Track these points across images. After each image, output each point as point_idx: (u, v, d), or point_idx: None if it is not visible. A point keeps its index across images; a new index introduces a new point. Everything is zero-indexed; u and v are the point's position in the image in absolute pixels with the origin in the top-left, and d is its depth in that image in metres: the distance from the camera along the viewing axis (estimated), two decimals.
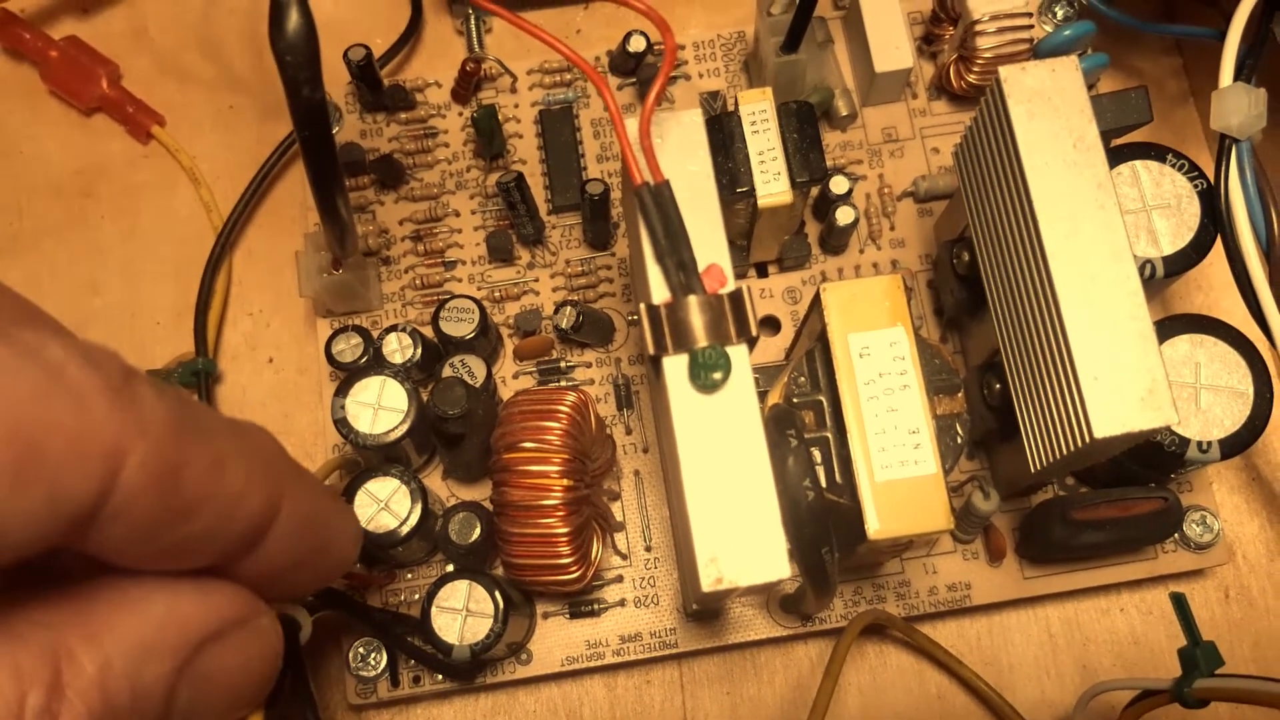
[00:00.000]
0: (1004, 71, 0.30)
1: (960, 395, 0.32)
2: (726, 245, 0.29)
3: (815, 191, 0.39)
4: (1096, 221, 0.29)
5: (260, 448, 0.21)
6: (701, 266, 0.28)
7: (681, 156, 0.29)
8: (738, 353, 0.28)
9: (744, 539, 0.27)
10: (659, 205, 0.28)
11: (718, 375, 0.28)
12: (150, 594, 0.20)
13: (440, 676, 0.36)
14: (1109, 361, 0.28)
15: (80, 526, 0.17)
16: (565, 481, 0.33)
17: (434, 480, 0.38)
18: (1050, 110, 0.30)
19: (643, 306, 0.28)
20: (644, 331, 0.28)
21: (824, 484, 0.31)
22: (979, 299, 0.34)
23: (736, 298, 0.28)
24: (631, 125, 0.28)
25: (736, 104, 0.35)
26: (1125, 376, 0.28)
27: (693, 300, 0.28)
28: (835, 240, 0.40)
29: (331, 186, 0.31)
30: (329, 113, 0.29)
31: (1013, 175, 0.30)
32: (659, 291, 0.28)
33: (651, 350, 0.28)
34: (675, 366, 0.28)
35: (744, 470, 0.27)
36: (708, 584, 0.27)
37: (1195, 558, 0.38)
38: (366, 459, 0.35)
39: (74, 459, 0.16)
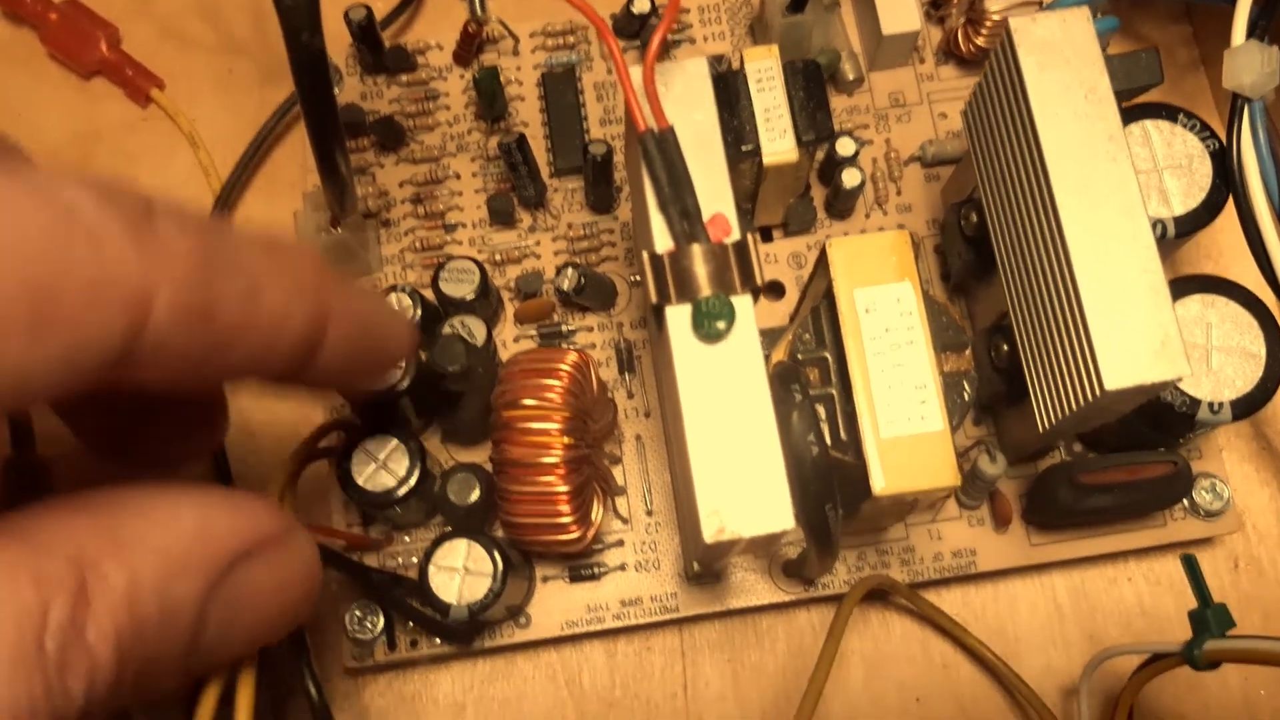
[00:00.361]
0: (1014, 22, 0.29)
1: (968, 353, 0.31)
2: (731, 194, 0.28)
3: (821, 155, 0.39)
4: (1108, 174, 0.28)
5: (296, 265, 0.20)
6: (706, 216, 0.28)
7: (686, 105, 0.29)
8: (742, 302, 0.27)
9: (747, 490, 0.26)
10: (663, 152, 0.27)
11: (721, 325, 0.27)
12: (180, 506, 0.19)
13: (438, 640, 0.36)
14: (1121, 314, 0.27)
15: (110, 370, 0.16)
16: (566, 440, 0.32)
17: (433, 444, 0.38)
18: (1061, 61, 0.29)
19: (645, 255, 0.27)
20: (646, 280, 0.27)
21: (829, 441, 0.30)
22: (986, 261, 0.34)
23: (741, 246, 0.28)
24: (636, 72, 0.28)
25: (742, 61, 0.35)
26: (1137, 329, 0.27)
27: (697, 249, 0.27)
28: (841, 204, 0.39)
29: (330, 140, 0.31)
30: (329, 64, 0.29)
31: (1023, 128, 0.29)
32: (662, 240, 0.28)
33: (654, 299, 0.27)
34: (678, 316, 0.27)
35: (747, 421, 0.27)
36: (710, 535, 0.26)
37: (1205, 525, 0.37)
38: (364, 419, 0.35)
39: (94, 306, 0.16)
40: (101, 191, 0.16)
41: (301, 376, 0.21)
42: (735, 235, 0.28)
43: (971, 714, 0.37)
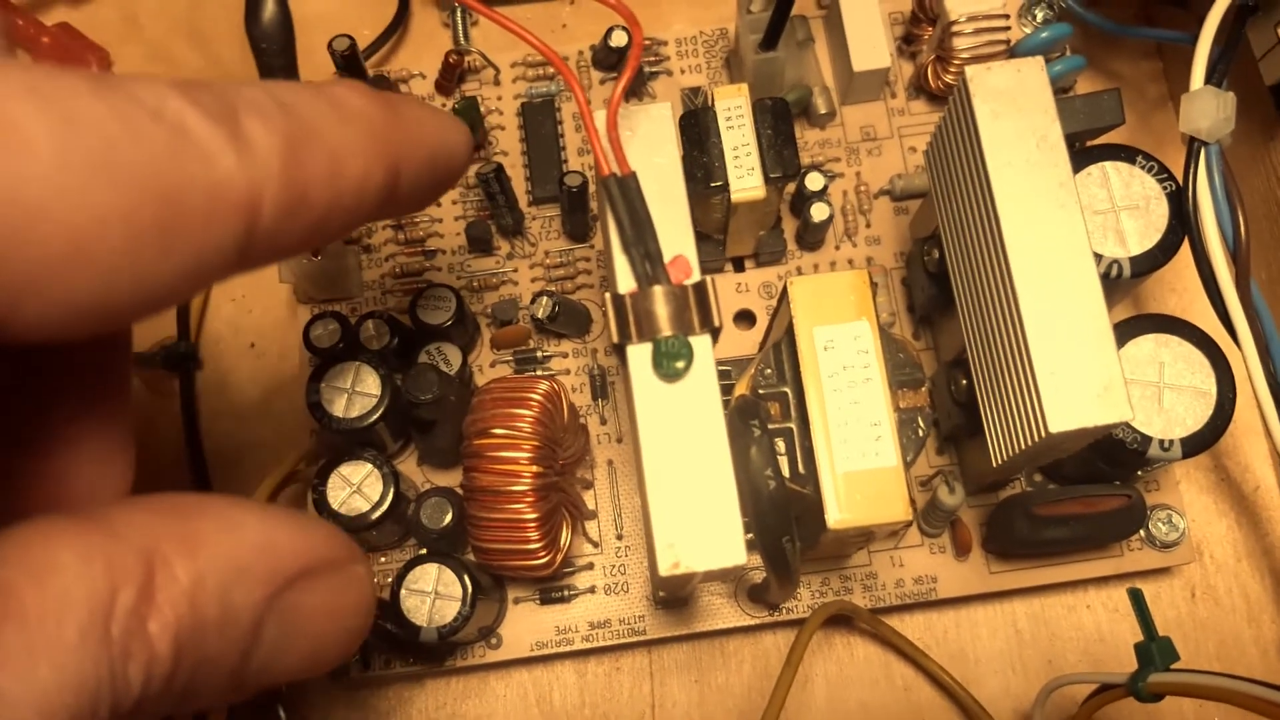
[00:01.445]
0: (970, 71, 0.30)
1: (924, 389, 0.32)
2: (693, 237, 0.29)
3: (792, 188, 0.40)
4: (1057, 220, 0.29)
5: (360, 113, 0.20)
6: (668, 258, 0.29)
7: (650, 149, 0.30)
8: (701, 343, 0.28)
9: (702, 524, 0.27)
10: (625, 196, 0.28)
11: (680, 364, 0.28)
12: (247, 518, 0.20)
13: (411, 659, 0.37)
14: (1066, 358, 0.28)
15: (228, 267, 0.18)
16: (535, 468, 0.33)
17: (409, 466, 0.39)
18: (1015, 110, 0.30)
19: (608, 295, 0.28)
20: (609, 320, 0.28)
21: (787, 474, 0.31)
22: (948, 296, 0.35)
23: (701, 289, 0.28)
24: (600, 117, 0.29)
25: (712, 99, 0.35)
26: (1082, 373, 0.28)
27: (658, 290, 0.28)
28: (811, 236, 0.40)
29: None
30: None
31: (977, 174, 0.30)
32: (625, 281, 0.29)
33: (616, 339, 0.28)
34: (639, 355, 0.28)
35: (704, 458, 0.28)
36: (665, 568, 0.27)
37: (1160, 556, 0.38)
38: (341, 443, 0.36)
39: (213, 215, 0.17)
40: (196, 99, 0.17)
41: (377, 215, 0.22)
42: (695, 277, 0.29)
43: None
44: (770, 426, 0.31)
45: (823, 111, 0.41)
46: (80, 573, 0.16)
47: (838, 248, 0.41)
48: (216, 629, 0.18)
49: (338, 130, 0.19)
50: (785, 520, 0.30)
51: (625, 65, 0.29)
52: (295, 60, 0.29)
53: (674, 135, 0.30)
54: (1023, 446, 0.30)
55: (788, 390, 0.32)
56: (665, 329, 0.28)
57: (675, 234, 0.29)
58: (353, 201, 0.20)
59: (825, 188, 0.39)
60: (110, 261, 0.16)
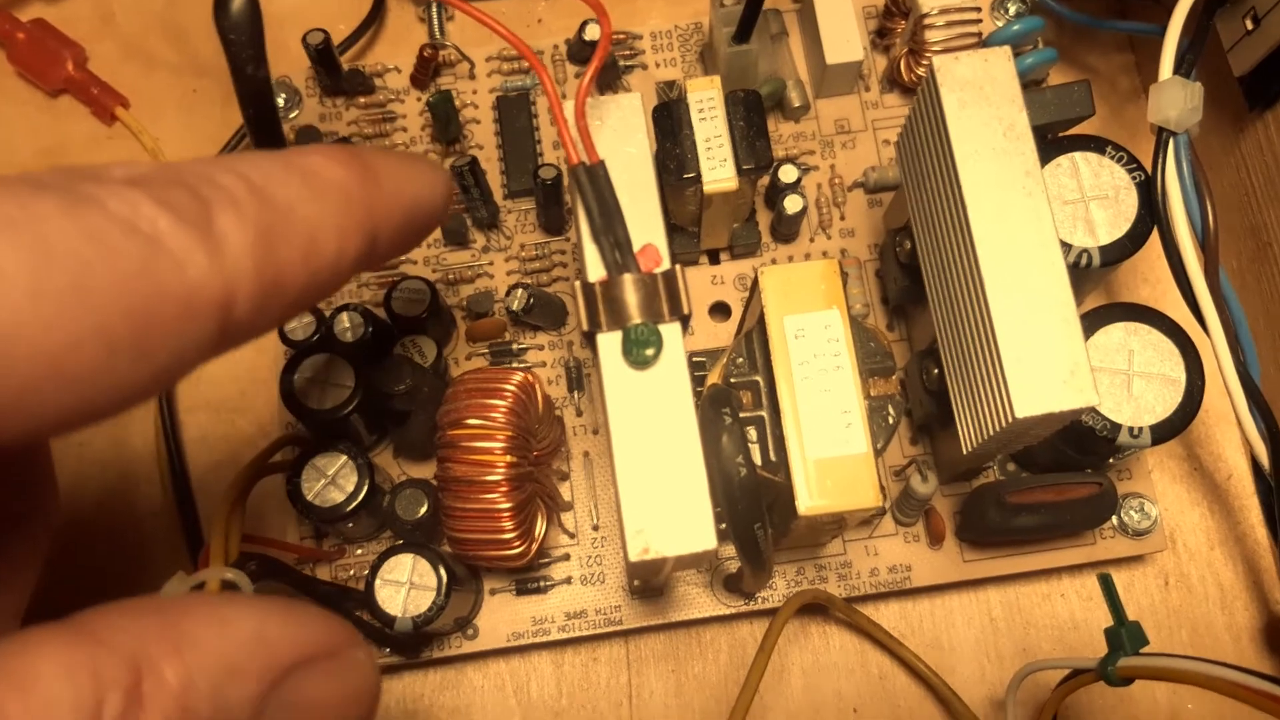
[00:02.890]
0: (937, 61, 0.30)
1: (894, 378, 0.33)
2: (663, 226, 0.29)
3: (765, 181, 0.40)
4: (1024, 208, 0.29)
5: (334, 185, 0.20)
6: (637, 246, 0.29)
7: (620, 139, 0.30)
8: (670, 330, 0.29)
9: (671, 510, 0.27)
10: (594, 185, 0.28)
11: (650, 352, 0.28)
12: (239, 613, 0.19)
13: (387, 650, 0.37)
14: (1032, 344, 0.28)
15: (203, 358, 0.18)
16: (508, 458, 0.33)
17: (385, 459, 0.39)
18: (981, 99, 0.30)
19: (577, 284, 0.29)
20: (579, 308, 0.28)
21: (759, 462, 0.31)
22: (920, 287, 0.35)
23: (670, 277, 0.29)
24: (569, 107, 0.29)
25: (685, 91, 0.36)
26: (1048, 358, 0.28)
27: (627, 278, 0.28)
28: (785, 228, 0.40)
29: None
30: (273, 91, 0.30)
31: (945, 163, 0.31)
32: (595, 269, 0.29)
33: (585, 326, 0.28)
34: (609, 343, 0.29)
35: (673, 444, 0.28)
36: (635, 554, 0.27)
37: (1133, 544, 0.38)
38: (317, 436, 0.36)
39: (187, 319, 0.17)
40: (168, 202, 0.17)
41: (355, 274, 0.22)
42: (665, 265, 0.29)
43: None
44: (742, 415, 0.31)
45: (797, 105, 0.41)
46: (65, 682, 0.16)
47: (812, 240, 0.41)
48: None
49: (312, 209, 0.19)
50: (756, 507, 0.30)
51: (594, 54, 0.29)
52: (264, 51, 0.29)
53: (644, 125, 0.30)
54: (991, 432, 0.30)
55: (759, 379, 0.32)
56: (635, 317, 0.28)
57: (645, 223, 0.29)
58: (329, 276, 0.20)
59: (799, 180, 0.39)
60: (86, 376, 0.16)
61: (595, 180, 0.28)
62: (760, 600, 0.38)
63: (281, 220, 0.18)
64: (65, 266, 0.15)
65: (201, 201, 0.17)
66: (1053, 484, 0.35)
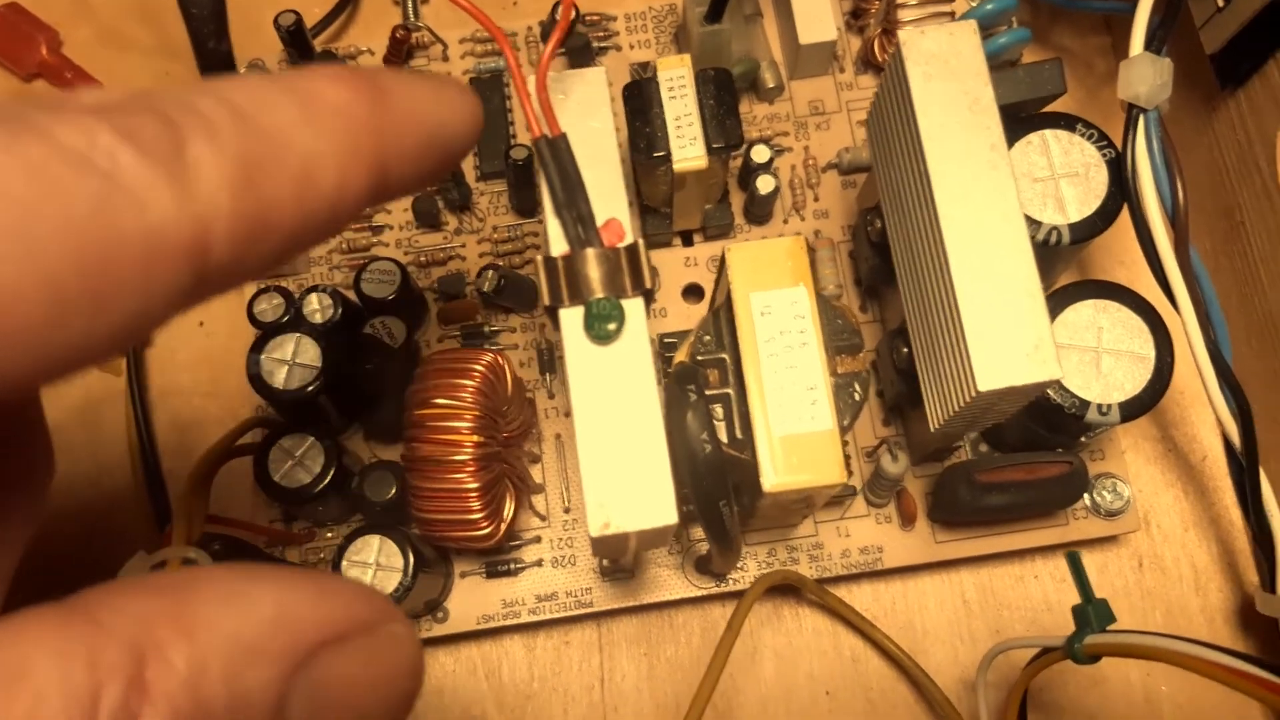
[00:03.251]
0: (903, 35, 0.30)
1: (861, 355, 0.32)
2: (627, 200, 0.29)
3: (739, 162, 0.40)
4: (989, 181, 0.29)
5: (337, 109, 0.18)
6: (600, 221, 0.29)
7: (584, 113, 0.30)
8: (633, 305, 0.28)
9: (632, 485, 0.27)
10: (556, 158, 0.28)
11: (612, 326, 0.28)
12: (257, 587, 0.17)
13: None
14: (995, 317, 0.28)
15: (177, 308, 0.16)
16: (476, 438, 0.33)
17: (357, 443, 0.39)
18: (947, 73, 0.30)
19: (539, 258, 0.28)
20: (540, 283, 0.28)
21: (725, 439, 0.31)
22: (891, 266, 0.35)
23: (633, 251, 0.28)
24: (532, 80, 0.29)
25: (655, 70, 0.35)
26: (1011, 332, 0.28)
27: (590, 253, 0.28)
28: (758, 210, 0.40)
29: None
30: (236, 66, 0.30)
31: (911, 137, 0.30)
32: (558, 244, 0.29)
33: (548, 301, 0.28)
34: (571, 318, 0.28)
35: (635, 419, 0.28)
36: (596, 529, 0.27)
37: (1106, 524, 0.38)
38: (286, 418, 0.36)
39: (151, 265, 0.15)
40: (131, 131, 0.15)
41: (360, 212, 0.20)
42: (628, 240, 0.29)
43: (879, 706, 0.38)
44: (709, 392, 0.31)
45: (770, 85, 0.41)
46: (56, 673, 0.14)
47: (786, 221, 0.41)
48: (226, 715, 0.16)
49: (307, 136, 0.17)
50: (722, 485, 0.30)
51: (556, 26, 0.29)
52: (226, 25, 0.29)
53: (608, 99, 0.30)
54: (956, 408, 0.30)
55: (726, 356, 0.32)
56: (597, 291, 0.28)
57: (609, 198, 0.29)
58: (327, 212, 0.17)
59: (771, 160, 0.39)
60: (33, 334, 0.14)
61: (557, 153, 0.28)
62: (731, 582, 0.38)
63: (269, 149, 0.16)
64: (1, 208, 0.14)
65: (172, 129, 0.15)
66: (1023, 463, 0.35)
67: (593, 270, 0.28)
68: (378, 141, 0.18)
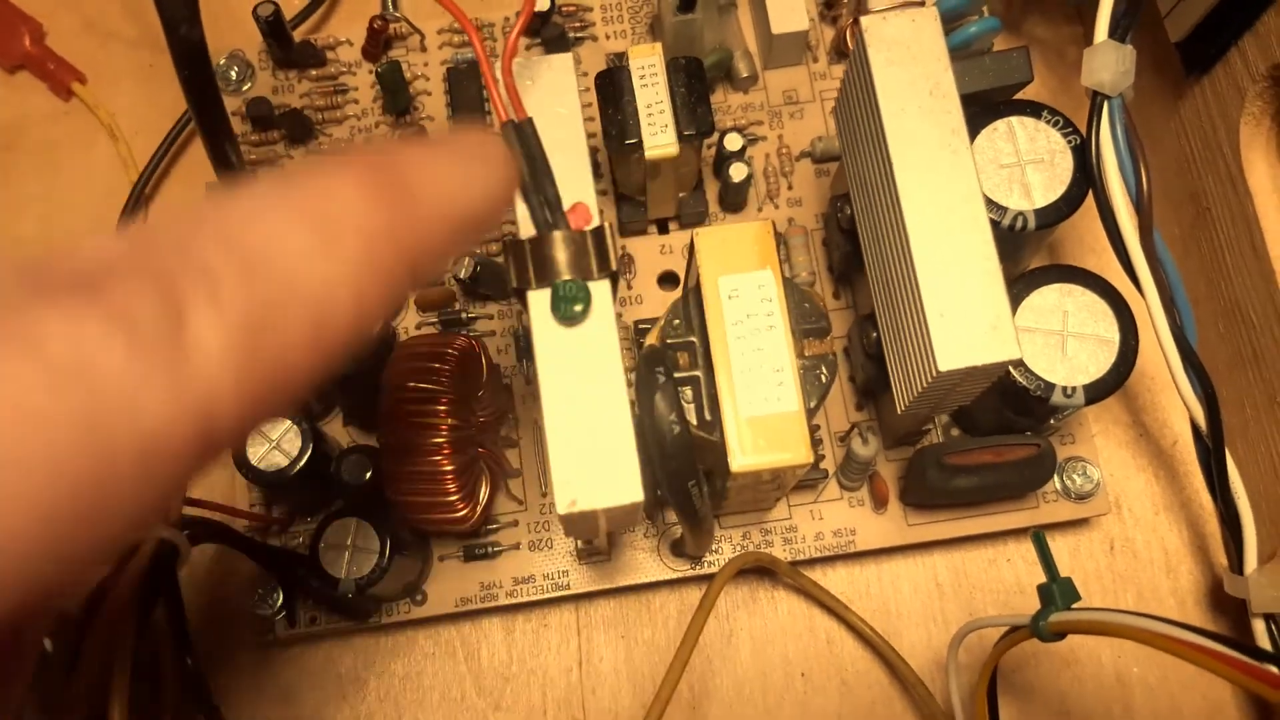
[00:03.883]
0: (865, 21, 0.31)
1: (829, 339, 0.33)
2: (593, 185, 0.30)
3: (712, 151, 0.40)
4: (949, 164, 0.30)
5: (355, 226, 0.16)
6: (567, 205, 0.29)
7: (551, 98, 0.30)
8: (599, 287, 0.29)
9: (598, 464, 0.28)
10: (523, 142, 0.29)
11: (578, 308, 0.28)
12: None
13: (336, 616, 0.37)
14: (955, 298, 0.29)
15: (184, 485, 0.15)
16: (450, 421, 0.34)
17: (335, 427, 0.39)
18: (909, 58, 0.31)
19: (506, 240, 0.29)
20: (508, 265, 0.29)
21: (695, 421, 0.32)
22: (860, 253, 0.35)
23: (599, 234, 0.29)
24: (498, 65, 0.29)
25: (626, 58, 0.36)
26: (971, 312, 0.29)
27: (557, 235, 0.29)
28: (732, 197, 0.40)
29: (216, 128, 0.32)
30: (208, 54, 0.30)
31: (873, 122, 0.31)
32: (525, 227, 0.29)
33: (514, 283, 0.29)
34: (539, 300, 0.29)
35: (601, 399, 0.28)
36: (563, 507, 0.27)
37: (1076, 507, 0.39)
38: None
39: (150, 473, 0.13)
40: (121, 319, 0.13)
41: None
42: (595, 223, 0.29)
43: (853, 687, 0.39)
44: (678, 375, 0.32)
45: (744, 75, 0.42)
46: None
47: (760, 209, 0.41)
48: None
49: (323, 268, 0.15)
50: (690, 465, 0.31)
51: (561, 30, 0.29)
52: (198, 11, 0.29)
53: (575, 85, 0.30)
54: (920, 389, 0.30)
55: (695, 339, 0.33)
56: (564, 273, 0.28)
57: (576, 182, 0.29)
58: (346, 345, 0.16)
59: (744, 148, 0.39)
60: (23, 565, 0.12)
61: (524, 137, 0.29)
62: (707, 564, 0.38)
63: (280, 298, 0.15)
64: None
65: (170, 302, 0.14)
66: (991, 446, 0.36)
67: (559, 253, 0.28)
68: (402, 250, 0.16)
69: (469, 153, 0.18)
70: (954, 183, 0.30)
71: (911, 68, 0.30)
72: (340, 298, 0.15)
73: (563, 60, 0.30)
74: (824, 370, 0.32)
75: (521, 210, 0.29)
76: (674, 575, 0.38)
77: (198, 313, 0.14)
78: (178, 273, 0.14)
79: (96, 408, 0.13)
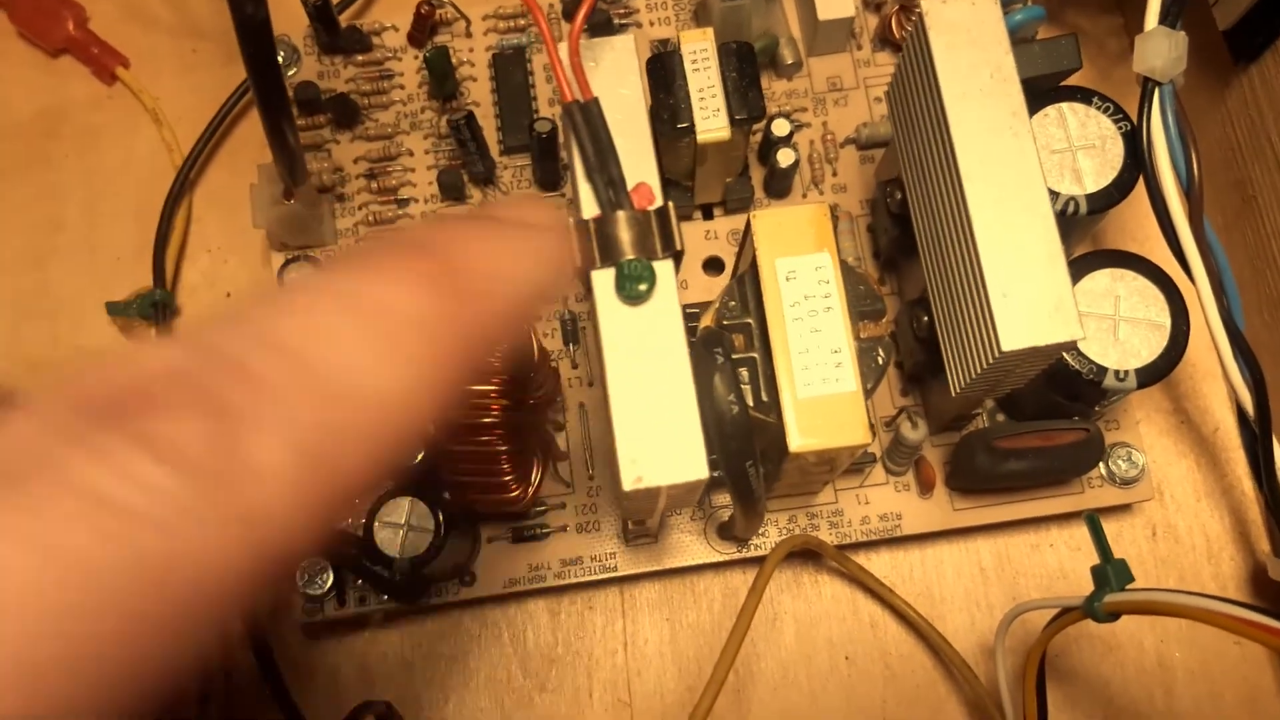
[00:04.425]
0: (926, 4, 0.31)
1: (885, 321, 0.33)
2: (655, 165, 0.30)
3: (758, 137, 0.40)
4: (1010, 148, 0.30)
5: (410, 324, 0.15)
6: (631, 185, 0.29)
7: (613, 80, 0.30)
8: (663, 266, 0.29)
9: (664, 441, 0.28)
10: (588, 122, 0.29)
11: (643, 287, 0.29)
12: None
13: (385, 597, 0.37)
14: (1018, 279, 0.29)
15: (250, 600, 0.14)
16: (504, 402, 0.34)
17: None
18: (969, 42, 0.31)
19: (571, 221, 0.29)
20: (573, 245, 0.29)
21: (751, 402, 0.32)
22: (910, 237, 0.36)
23: (663, 214, 0.29)
24: (563, 46, 0.29)
25: (678, 42, 0.36)
26: (1033, 293, 0.29)
27: (621, 215, 0.29)
28: (778, 183, 0.41)
29: (277, 109, 0.32)
30: (272, 34, 0.30)
31: (934, 106, 0.31)
32: (589, 208, 0.29)
33: (579, 263, 0.29)
34: (603, 279, 0.29)
35: (666, 377, 0.28)
36: (629, 484, 0.28)
37: (1120, 492, 0.39)
38: None
39: (208, 598, 0.13)
40: (171, 452, 0.12)
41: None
42: (658, 203, 0.29)
43: (897, 671, 0.39)
44: (734, 356, 0.32)
45: (789, 62, 0.42)
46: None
47: (804, 195, 0.41)
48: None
49: (382, 376, 0.14)
50: (748, 445, 0.31)
51: (606, 16, 0.29)
52: (265, 4, 0.29)
53: (637, 66, 0.30)
54: (979, 370, 0.30)
55: (751, 321, 0.33)
56: (628, 253, 0.29)
57: (639, 162, 0.30)
58: (402, 446, 0.15)
59: (791, 134, 0.39)
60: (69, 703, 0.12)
61: (589, 118, 0.29)
62: (753, 548, 0.38)
63: (341, 413, 0.14)
64: (35, 604, 0.11)
65: (224, 426, 0.13)
66: (1040, 430, 0.36)
67: (624, 232, 0.29)
68: (462, 341, 0.15)
69: (521, 230, 0.18)
70: (1016, 164, 0.30)
71: (972, 51, 0.31)
72: (398, 404, 0.15)
73: (624, 41, 0.31)
74: (880, 352, 0.32)
75: (585, 191, 0.29)
76: (720, 558, 0.38)
77: (252, 436, 0.13)
78: (230, 390, 0.13)
79: (148, 550, 0.12)
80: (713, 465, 0.30)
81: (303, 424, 0.13)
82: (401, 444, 0.15)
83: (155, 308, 0.41)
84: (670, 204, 0.29)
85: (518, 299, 0.17)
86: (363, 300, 0.15)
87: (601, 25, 0.42)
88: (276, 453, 0.13)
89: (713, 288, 0.41)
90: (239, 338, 0.14)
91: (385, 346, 0.14)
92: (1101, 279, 0.35)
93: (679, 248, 0.29)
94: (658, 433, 0.28)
